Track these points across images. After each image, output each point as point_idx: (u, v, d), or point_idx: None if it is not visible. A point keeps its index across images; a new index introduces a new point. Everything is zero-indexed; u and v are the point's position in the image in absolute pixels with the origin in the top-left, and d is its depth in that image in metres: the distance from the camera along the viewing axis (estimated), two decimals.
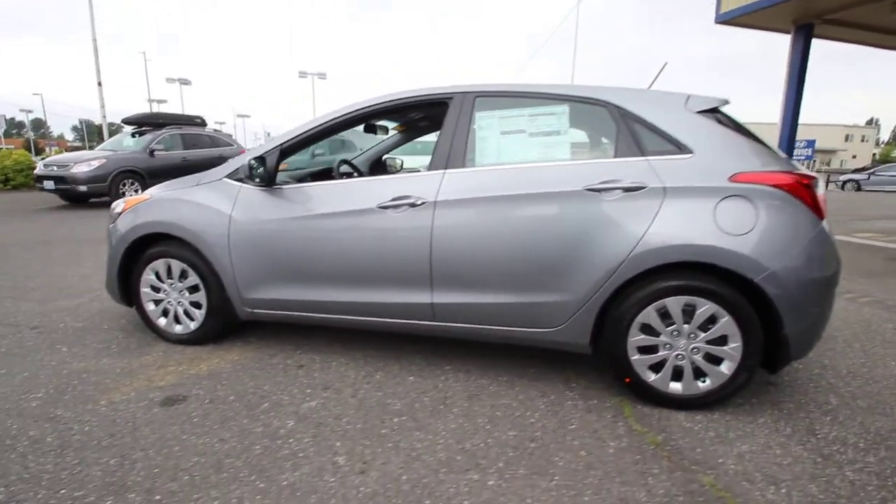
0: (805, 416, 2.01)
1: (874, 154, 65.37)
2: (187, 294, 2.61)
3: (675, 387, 2.04)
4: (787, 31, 6.79)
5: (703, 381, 2.01)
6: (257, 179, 2.36)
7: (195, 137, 10.59)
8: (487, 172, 2.15)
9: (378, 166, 3.79)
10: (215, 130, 11.60)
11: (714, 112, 2.09)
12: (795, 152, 9.61)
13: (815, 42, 6.44)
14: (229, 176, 2.50)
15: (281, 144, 2.41)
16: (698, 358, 1.99)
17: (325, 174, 3.15)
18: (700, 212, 1.90)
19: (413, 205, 2.16)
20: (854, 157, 59.79)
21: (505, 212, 2.08)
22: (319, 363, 2.47)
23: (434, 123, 3.46)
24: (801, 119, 7.00)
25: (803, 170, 2.01)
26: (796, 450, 1.78)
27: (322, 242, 2.30)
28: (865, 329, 3.10)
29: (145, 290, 2.67)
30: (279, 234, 2.36)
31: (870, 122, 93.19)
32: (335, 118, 2.38)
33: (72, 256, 4.98)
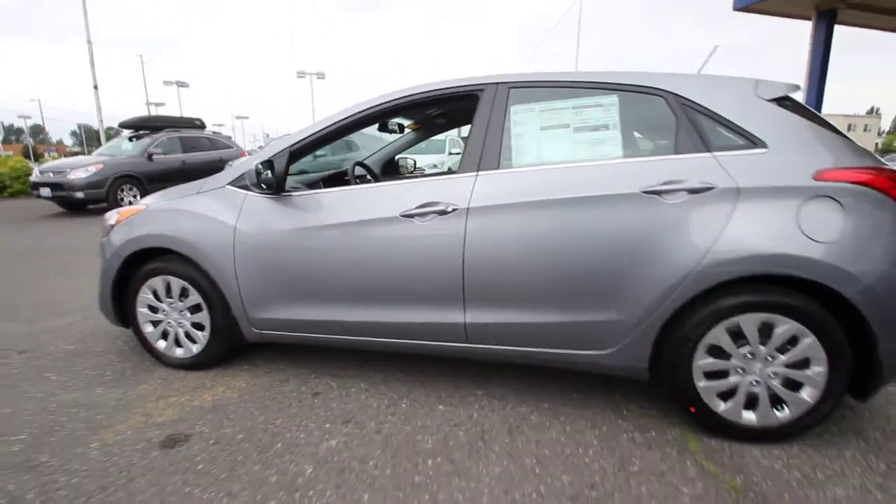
0: None
1: (876, 144, 64.87)
2: (188, 314, 2.35)
3: (749, 417, 1.78)
4: (807, 18, 6.51)
5: (781, 410, 1.75)
6: (264, 186, 2.09)
7: (194, 140, 10.33)
8: (527, 174, 1.89)
9: (390, 168, 3.53)
10: (214, 132, 11.35)
11: (785, 100, 1.83)
12: None
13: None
14: (233, 183, 2.24)
15: (291, 146, 2.14)
16: (776, 384, 1.73)
17: (338, 178, 2.88)
18: (781, 216, 1.64)
19: (442, 212, 1.90)
20: None
21: (548, 219, 1.81)
22: (337, 390, 2.21)
23: (453, 120, 3.20)
24: None
25: (893, 166, 1.74)
26: None
27: (338, 256, 2.05)
28: None
29: (142, 310, 2.42)
30: (290, 247, 2.10)
31: (871, 112, 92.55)
32: (351, 116, 2.12)
33: (66, 268, 4.73)
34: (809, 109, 1.85)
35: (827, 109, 6.57)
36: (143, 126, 10.23)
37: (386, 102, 2.08)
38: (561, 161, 1.88)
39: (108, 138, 16.00)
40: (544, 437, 1.83)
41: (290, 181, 2.37)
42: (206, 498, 1.51)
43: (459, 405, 2.07)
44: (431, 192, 1.96)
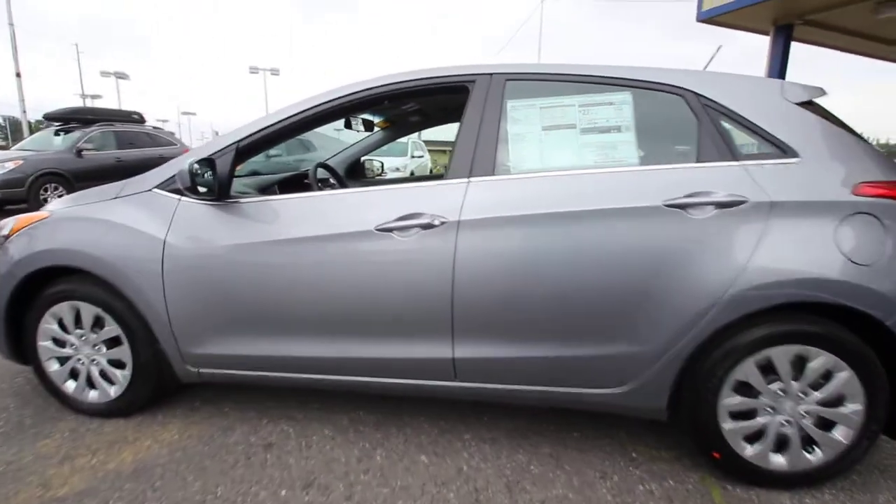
0: None
1: None
2: (104, 349, 1.89)
3: (778, 461, 1.56)
4: (766, 33, 6.70)
5: (813, 453, 1.55)
6: (204, 190, 1.68)
7: (131, 135, 9.40)
8: (527, 182, 1.59)
9: (355, 171, 3.16)
10: (155, 128, 10.42)
11: (809, 104, 1.64)
12: None
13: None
14: (162, 186, 1.81)
15: (238, 141, 1.75)
16: (808, 423, 1.53)
17: (297, 182, 2.48)
18: (818, 234, 1.43)
19: (427, 226, 1.57)
20: None
21: (554, 235, 1.53)
22: (295, 439, 1.82)
23: (429, 118, 2.87)
24: None
25: None
26: None
27: (298, 277, 1.67)
28: None
29: (45, 343, 1.92)
30: (236, 267, 1.70)
31: None
32: (315, 107, 1.74)
33: None
34: (835, 116, 1.67)
35: None
36: (71, 118, 9.20)
37: (358, 92, 1.73)
38: (567, 167, 1.60)
39: (33, 132, 14.47)
40: (550, 495, 1.54)
41: (237, 184, 1.97)
42: None
43: (445, 454, 1.74)
44: (413, 201, 1.62)
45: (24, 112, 14.86)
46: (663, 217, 1.48)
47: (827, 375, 1.48)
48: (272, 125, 1.75)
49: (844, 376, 1.47)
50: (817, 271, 1.41)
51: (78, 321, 1.88)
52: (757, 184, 1.47)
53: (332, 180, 2.69)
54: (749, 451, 1.56)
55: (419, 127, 2.95)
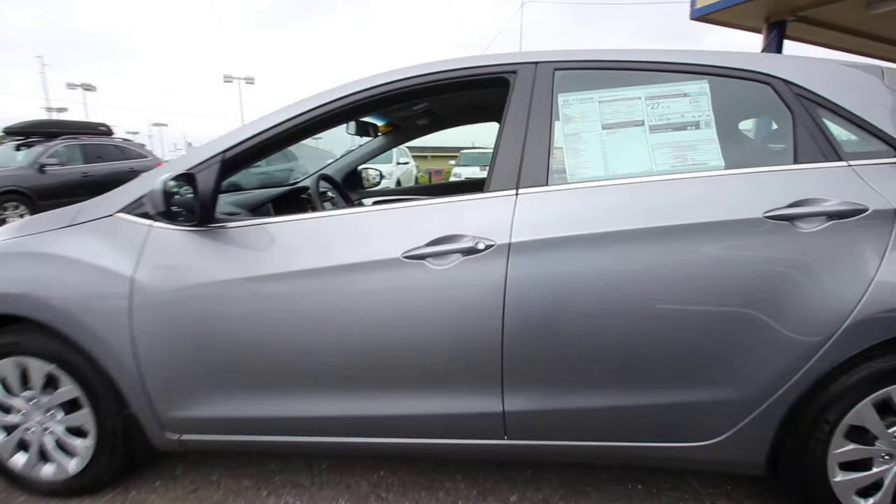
0: None
1: None
2: (60, 414, 1.51)
3: None
4: (758, 31, 6.63)
5: None
6: (183, 214, 1.34)
7: (99, 148, 8.83)
8: (591, 193, 1.30)
9: (352, 182, 2.83)
10: (124, 140, 9.86)
11: None
12: None
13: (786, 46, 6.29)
14: (129, 209, 1.45)
15: (224, 152, 1.40)
16: None
17: (293, 199, 2.12)
18: None
19: (470, 251, 1.26)
20: None
21: (628, 259, 1.24)
22: None
23: (439, 121, 2.57)
24: None
25: None
26: None
27: (307, 319, 1.34)
28: None
29: None
30: (226, 308, 1.35)
31: None
32: (320, 107, 1.40)
33: None
34: None
35: None
36: (33, 132, 8.62)
37: (372, 89, 1.40)
38: (638, 173, 1.31)
39: None
40: None
41: (221, 203, 1.63)
42: None
43: None
44: (448, 219, 1.31)
45: None
46: (765, 232, 1.20)
47: None
48: (268, 130, 1.41)
49: None
50: None
51: (25, 381, 1.50)
52: (873, 188, 1.21)
53: (330, 193, 2.34)
54: None
55: (426, 131, 2.64)
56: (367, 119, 2.39)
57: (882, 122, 1.28)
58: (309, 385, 1.36)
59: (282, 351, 1.35)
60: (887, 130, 1.27)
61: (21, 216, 7.65)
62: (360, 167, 2.90)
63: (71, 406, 1.50)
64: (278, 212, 1.89)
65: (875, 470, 1.28)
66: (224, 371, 1.39)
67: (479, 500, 1.53)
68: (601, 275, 1.24)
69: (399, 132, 2.64)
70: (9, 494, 1.58)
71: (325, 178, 2.25)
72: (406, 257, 1.27)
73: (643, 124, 1.33)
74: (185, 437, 1.47)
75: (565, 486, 1.58)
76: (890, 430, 1.25)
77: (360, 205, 2.58)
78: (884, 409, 1.25)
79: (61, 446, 1.54)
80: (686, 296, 1.22)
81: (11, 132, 8.72)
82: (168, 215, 1.31)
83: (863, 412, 1.24)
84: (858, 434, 1.26)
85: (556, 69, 1.38)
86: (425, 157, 22.41)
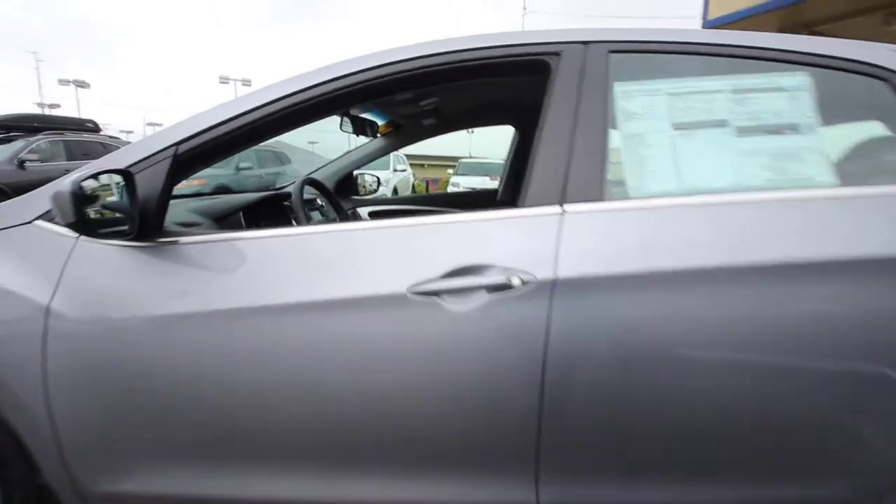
0: None
1: None
2: None
3: None
4: None
5: None
6: (117, 226, 1.01)
7: (83, 145, 8.48)
8: (662, 213, 0.98)
9: (346, 189, 2.50)
10: (112, 137, 9.53)
11: None
12: None
13: None
14: (47, 217, 1.11)
15: (177, 144, 1.07)
16: None
17: (271, 207, 1.77)
18: None
19: (501, 286, 0.93)
20: None
21: (714, 305, 0.92)
22: None
23: (449, 122, 2.25)
24: None
25: None
26: None
27: (280, 370, 1.00)
28: None
29: None
30: (172, 351, 1.02)
31: None
32: (308, 89, 1.07)
33: None
34: None
35: None
36: (15, 126, 8.27)
37: (375, 68, 1.08)
38: (724, 188, 0.99)
39: None
40: None
41: (179, 209, 1.29)
42: None
43: None
44: (469, 243, 0.99)
45: None
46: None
47: None
48: (238, 118, 1.07)
49: None
50: None
51: None
52: None
53: (319, 201, 2.01)
54: None
55: (431, 133, 2.32)
56: (366, 116, 2.07)
57: None
58: (277, 460, 1.02)
59: (243, 413, 1.01)
60: None
61: None
62: (355, 172, 2.58)
63: None
64: (251, 223, 1.56)
65: None
66: (165, 435, 1.05)
67: None
68: (678, 324, 0.92)
69: (401, 133, 2.32)
70: None
71: (312, 182, 1.91)
72: (414, 293, 0.95)
73: (727, 125, 1.02)
74: None
75: None
76: None
77: (355, 216, 2.26)
78: None
79: None
80: (796, 353, 0.90)
81: None
82: (83, 227, 0.97)
83: None
84: None
85: (610, 51, 1.07)
86: (422, 165, 22.18)
